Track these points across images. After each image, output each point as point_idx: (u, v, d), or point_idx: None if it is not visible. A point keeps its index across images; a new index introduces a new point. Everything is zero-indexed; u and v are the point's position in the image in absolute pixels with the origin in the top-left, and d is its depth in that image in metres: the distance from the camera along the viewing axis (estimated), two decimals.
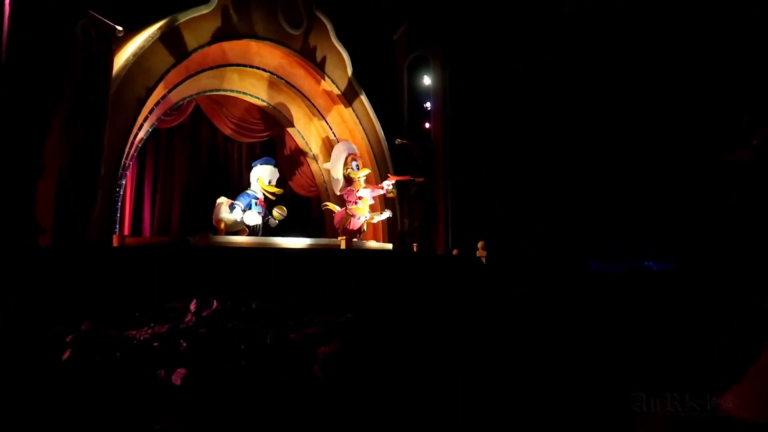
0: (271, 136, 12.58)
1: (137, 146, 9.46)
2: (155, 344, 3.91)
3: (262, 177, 10.59)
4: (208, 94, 11.09)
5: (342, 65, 12.14)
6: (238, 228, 10.16)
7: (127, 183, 9.78)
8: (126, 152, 8.75)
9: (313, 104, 12.41)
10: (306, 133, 12.88)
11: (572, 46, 14.15)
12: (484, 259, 11.94)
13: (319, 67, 11.74)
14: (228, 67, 11.01)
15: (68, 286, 5.73)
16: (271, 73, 11.61)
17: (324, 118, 12.56)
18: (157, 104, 9.55)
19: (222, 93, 11.36)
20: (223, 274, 6.84)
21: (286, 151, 12.88)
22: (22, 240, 6.59)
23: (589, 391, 3.28)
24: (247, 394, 3.52)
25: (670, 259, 12.30)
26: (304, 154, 13.03)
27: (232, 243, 9.48)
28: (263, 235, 10.50)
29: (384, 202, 12.22)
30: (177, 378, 3.62)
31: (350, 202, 11.37)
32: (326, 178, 12.85)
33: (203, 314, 3.94)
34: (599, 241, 14.04)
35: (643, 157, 14.41)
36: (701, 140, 13.69)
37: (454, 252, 12.73)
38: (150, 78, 8.87)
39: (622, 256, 13.24)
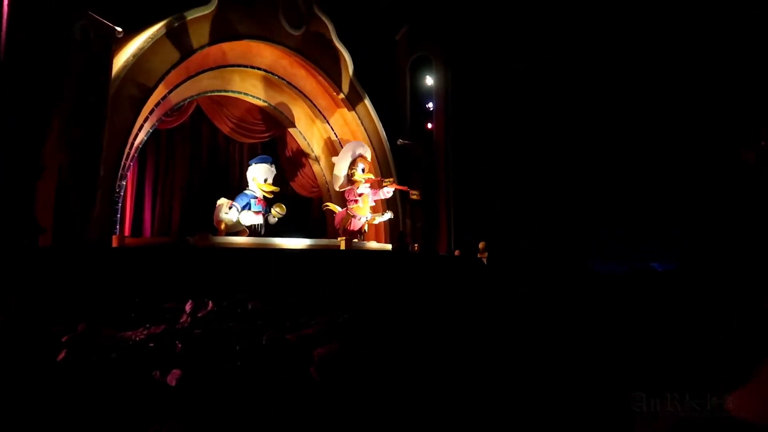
0: (272, 137, 12.56)
1: (138, 147, 9.46)
2: (151, 345, 3.89)
3: (257, 176, 10.60)
4: (209, 94, 11.08)
5: (343, 66, 12.12)
6: (238, 228, 10.17)
7: (128, 184, 9.78)
8: (126, 153, 8.74)
9: (314, 105, 12.40)
10: (308, 133, 12.87)
11: (572, 46, 14.13)
12: (485, 260, 11.91)
13: (320, 68, 11.72)
14: (229, 68, 11.00)
15: (67, 287, 5.71)
16: (272, 73, 11.60)
17: (325, 118, 12.55)
18: (157, 105, 9.54)
19: (223, 94, 11.35)
20: (222, 274, 6.82)
21: (288, 152, 12.86)
22: (22, 240, 6.59)
23: (589, 391, 3.26)
24: (242, 395, 3.50)
25: (671, 259, 12.26)
26: (305, 154, 13.01)
27: (232, 243, 9.47)
28: (265, 233, 10.49)
29: (386, 202, 12.20)
30: (172, 379, 3.60)
31: (351, 201, 11.34)
32: (328, 178, 12.84)
33: (198, 315, 3.92)
34: (599, 241, 14.00)
35: (643, 157, 14.38)
36: (701, 140, 13.66)
37: (456, 253, 12.70)
38: (150, 79, 8.86)
39: (622, 256, 13.21)
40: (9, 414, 3.18)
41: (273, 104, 12.13)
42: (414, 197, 12.04)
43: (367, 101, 12.49)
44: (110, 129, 7.79)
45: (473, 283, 9.98)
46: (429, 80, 14.29)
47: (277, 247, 9.86)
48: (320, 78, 11.94)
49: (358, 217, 11.31)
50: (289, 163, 12.80)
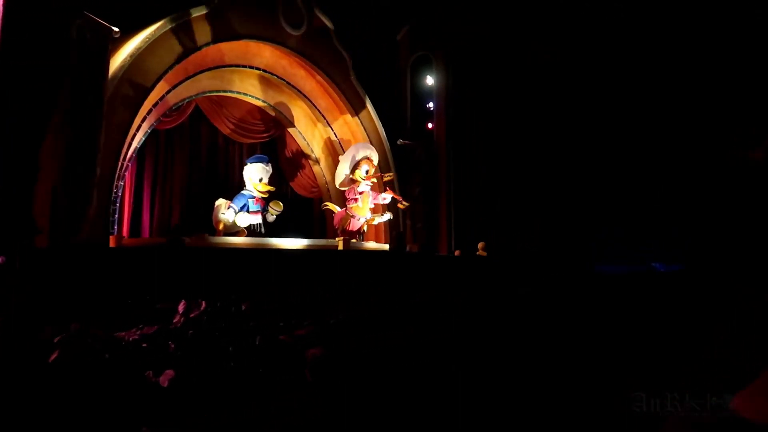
0: (272, 137, 12.54)
1: (136, 147, 9.44)
2: (144, 345, 3.86)
3: (252, 176, 10.57)
4: (208, 95, 11.06)
5: (343, 65, 12.09)
6: (236, 229, 10.15)
7: (127, 184, 9.76)
8: (123, 153, 8.72)
9: (314, 105, 12.37)
10: (307, 133, 12.84)
11: (572, 46, 14.09)
12: (485, 260, 11.87)
13: (320, 68, 11.68)
14: (228, 68, 10.97)
15: (62, 287, 5.70)
16: (271, 73, 11.56)
17: (325, 118, 12.52)
18: (155, 105, 9.52)
19: (222, 94, 11.32)
20: (218, 275, 6.78)
21: (287, 152, 12.84)
22: (22, 240, 6.58)
23: (590, 391, 3.23)
24: (235, 396, 3.47)
25: (671, 259, 12.24)
26: (305, 155, 12.98)
27: (228, 244, 9.44)
28: (264, 232, 10.46)
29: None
30: (164, 380, 3.57)
31: (351, 200, 11.31)
32: (328, 178, 12.81)
33: (191, 315, 3.89)
34: (599, 241, 13.96)
35: (643, 157, 14.34)
36: (701, 140, 13.62)
37: (456, 253, 12.66)
38: (147, 79, 8.82)
39: (622, 256, 13.18)
40: (3, 414, 3.16)
41: (272, 104, 12.09)
42: (401, 207, 11.99)
43: (367, 101, 12.45)
44: (107, 129, 7.74)
45: (473, 283, 9.95)
46: (429, 80, 14.25)
47: (274, 247, 9.83)
48: (320, 78, 11.91)
49: (357, 218, 11.27)
50: (289, 163, 12.78)
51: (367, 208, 11.40)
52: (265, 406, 3.40)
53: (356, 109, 12.31)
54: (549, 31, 14.15)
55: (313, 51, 11.51)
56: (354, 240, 11.20)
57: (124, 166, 9.00)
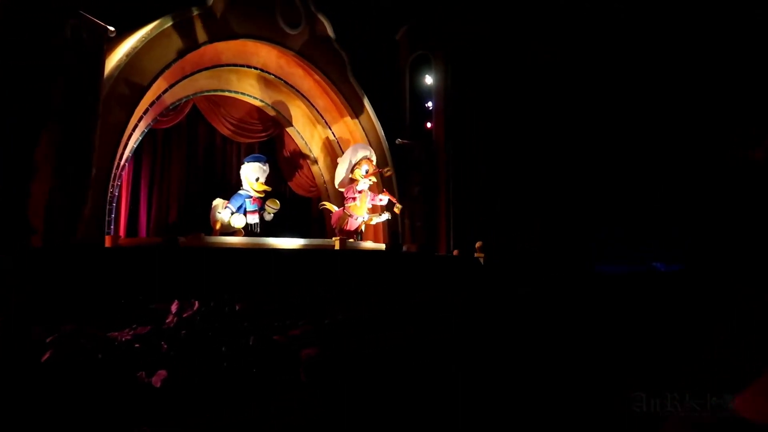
0: (270, 137, 12.50)
1: (132, 147, 9.39)
2: (136, 346, 3.81)
3: (249, 175, 10.55)
4: (206, 94, 11.01)
5: (342, 65, 12.05)
6: (234, 228, 10.11)
7: (124, 184, 9.72)
8: (120, 153, 8.67)
9: (312, 104, 12.32)
10: (305, 133, 12.80)
11: (572, 46, 14.06)
12: (482, 260, 11.83)
13: (318, 67, 11.64)
14: (225, 67, 10.93)
15: (56, 288, 5.66)
16: (268, 73, 11.52)
17: (323, 118, 12.48)
18: (151, 105, 9.47)
19: (220, 93, 11.28)
20: (213, 275, 6.74)
21: (286, 152, 12.80)
22: (21, 240, 6.55)
23: (590, 391, 3.21)
24: (228, 396, 3.43)
25: (671, 259, 12.21)
26: (303, 154, 12.93)
27: (224, 243, 9.40)
28: (262, 231, 10.43)
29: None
30: (157, 380, 3.54)
31: (349, 199, 11.27)
32: (326, 178, 12.77)
33: (184, 315, 3.84)
34: (599, 241, 13.93)
35: (643, 157, 14.32)
36: (701, 140, 13.59)
37: (455, 252, 12.62)
38: (144, 78, 8.78)
39: (622, 256, 13.15)
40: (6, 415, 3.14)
41: (270, 104, 12.05)
42: (396, 211, 11.96)
43: (365, 101, 12.40)
44: (103, 128, 7.70)
45: (473, 283, 9.92)
46: (429, 80, 14.22)
47: (270, 246, 9.78)
48: (318, 77, 11.87)
49: (354, 217, 11.23)
50: (287, 163, 12.73)
51: (365, 208, 11.36)
52: (259, 406, 3.36)
53: (355, 108, 12.26)
54: (549, 31, 14.12)
55: (310, 50, 11.46)
56: (351, 240, 11.16)
57: (121, 165, 8.95)
